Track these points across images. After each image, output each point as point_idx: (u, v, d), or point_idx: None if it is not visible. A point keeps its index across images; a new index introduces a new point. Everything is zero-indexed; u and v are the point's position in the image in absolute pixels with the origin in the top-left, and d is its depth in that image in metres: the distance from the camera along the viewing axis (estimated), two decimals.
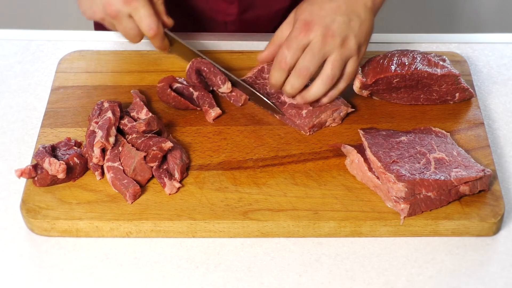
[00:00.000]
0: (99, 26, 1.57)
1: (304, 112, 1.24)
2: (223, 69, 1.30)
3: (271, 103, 1.25)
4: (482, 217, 1.12)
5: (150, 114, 1.22)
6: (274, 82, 1.24)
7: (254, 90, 1.27)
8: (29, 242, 1.12)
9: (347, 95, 1.29)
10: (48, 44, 1.42)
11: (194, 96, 1.27)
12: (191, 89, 1.27)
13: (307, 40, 1.20)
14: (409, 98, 1.28)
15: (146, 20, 1.25)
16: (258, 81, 1.30)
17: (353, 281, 1.07)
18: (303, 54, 1.20)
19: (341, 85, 1.24)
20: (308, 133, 1.24)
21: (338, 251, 1.11)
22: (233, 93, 1.28)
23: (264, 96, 1.26)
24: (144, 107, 1.23)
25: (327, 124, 1.25)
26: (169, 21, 1.32)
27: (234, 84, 1.29)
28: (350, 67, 1.23)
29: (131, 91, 1.27)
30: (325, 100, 1.24)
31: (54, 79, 1.33)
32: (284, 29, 1.25)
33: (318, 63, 1.20)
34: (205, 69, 1.28)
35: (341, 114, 1.25)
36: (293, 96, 1.25)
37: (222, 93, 1.29)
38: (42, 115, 1.27)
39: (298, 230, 1.12)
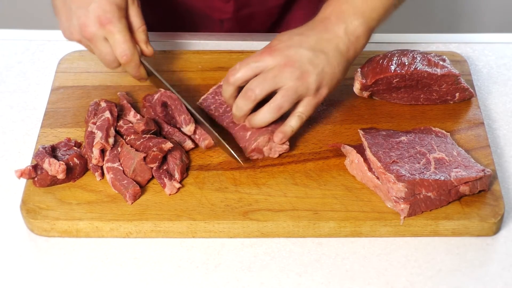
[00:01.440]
0: None
1: (248, 134, 1.20)
2: (191, 108, 1.21)
3: (232, 152, 1.17)
4: (482, 217, 1.12)
5: (138, 115, 1.22)
6: (224, 95, 1.20)
7: (218, 136, 1.19)
8: (29, 242, 1.12)
9: (348, 95, 1.29)
10: (48, 44, 1.42)
11: (163, 133, 1.21)
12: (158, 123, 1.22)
13: (264, 63, 1.15)
14: (409, 98, 1.28)
15: (120, 46, 1.19)
16: (217, 97, 1.25)
17: (353, 281, 1.07)
18: (256, 77, 1.15)
19: (293, 123, 1.17)
20: (251, 157, 1.19)
21: (338, 251, 1.11)
22: (196, 136, 1.20)
23: (227, 144, 1.18)
24: (132, 109, 1.23)
25: (266, 153, 1.19)
26: (148, 50, 1.25)
27: (199, 124, 1.21)
28: (302, 106, 1.16)
29: (118, 93, 1.27)
30: (276, 139, 1.17)
31: (54, 79, 1.33)
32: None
33: (268, 90, 1.14)
34: (171, 104, 1.21)
35: (277, 149, 1.19)
36: (240, 120, 1.20)
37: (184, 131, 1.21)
38: (42, 115, 1.27)
39: (298, 230, 1.12)
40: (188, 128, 1.19)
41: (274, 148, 1.19)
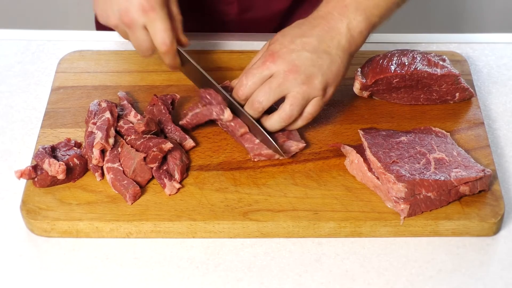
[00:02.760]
0: (101, 26, 1.57)
1: (257, 140, 1.19)
2: (229, 97, 1.21)
3: (274, 143, 1.17)
4: (482, 217, 1.12)
5: (139, 116, 1.22)
6: None
7: (259, 126, 1.19)
8: (29, 242, 1.12)
9: (347, 96, 1.29)
10: (48, 44, 1.42)
11: (165, 130, 1.22)
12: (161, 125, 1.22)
13: (269, 72, 1.16)
14: (409, 98, 1.28)
15: (161, 34, 1.18)
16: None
17: (353, 281, 1.07)
18: (261, 87, 1.16)
19: (298, 124, 1.19)
20: (253, 159, 1.19)
21: (338, 251, 1.11)
22: (232, 123, 1.19)
23: (266, 132, 1.18)
24: (132, 109, 1.23)
25: (276, 157, 1.20)
26: (184, 40, 1.25)
27: (236, 113, 1.20)
28: (311, 107, 1.17)
29: (118, 93, 1.27)
30: (272, 129, 1.19)
31: (54, 79, 1.33)
32: (257, 58, 1.21)
33: (274, 99, 1.16)
34: (211, 99, 1.21)
35: (291, 149, 1.20)
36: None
37: (222, 122, 1.21)
38: (42, 115, 1.27)
39: (298, 230, 1.12)
40: (226, 115, 1.19)
41: (287, 150, 1.19)
